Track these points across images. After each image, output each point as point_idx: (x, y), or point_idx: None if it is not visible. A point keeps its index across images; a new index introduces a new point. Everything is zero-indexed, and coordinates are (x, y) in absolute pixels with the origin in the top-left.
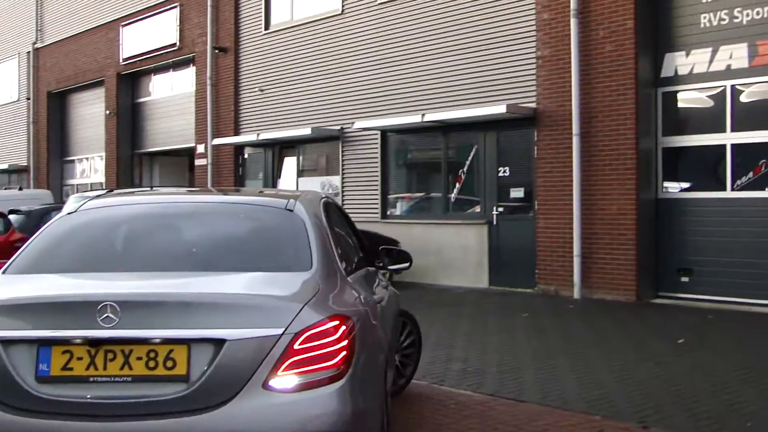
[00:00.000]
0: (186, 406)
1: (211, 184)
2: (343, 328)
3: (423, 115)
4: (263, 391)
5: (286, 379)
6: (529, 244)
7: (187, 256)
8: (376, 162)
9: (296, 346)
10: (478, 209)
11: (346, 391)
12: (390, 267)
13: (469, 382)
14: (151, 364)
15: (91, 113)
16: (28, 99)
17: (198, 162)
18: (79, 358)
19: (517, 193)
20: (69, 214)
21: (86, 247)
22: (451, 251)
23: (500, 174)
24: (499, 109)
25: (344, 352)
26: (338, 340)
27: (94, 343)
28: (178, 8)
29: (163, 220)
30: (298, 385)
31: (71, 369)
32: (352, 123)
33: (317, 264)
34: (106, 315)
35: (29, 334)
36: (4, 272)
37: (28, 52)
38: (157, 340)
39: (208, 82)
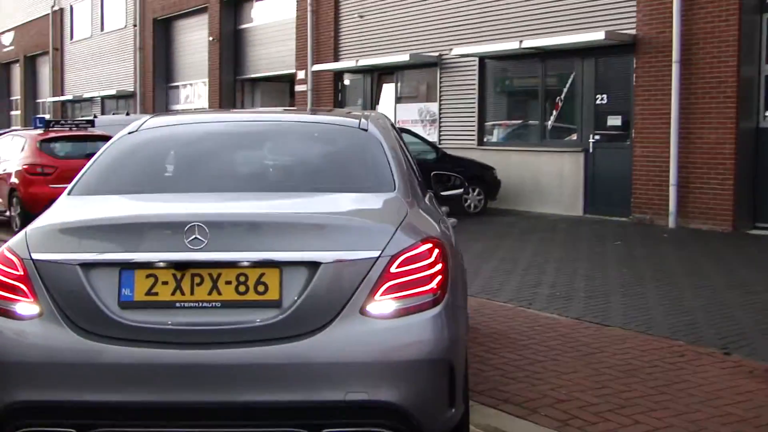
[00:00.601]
0: (278, 333)
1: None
2: (437, 251)
3: (521, 41)
4: (360, 317)
5: (383, 305)
6: (626, 173)
7: (263, 176)
8: (474, 89)
9: (393, 270)
10: (574, 137)
11: (443, 317)
12: (442, 193)
13: (555, 306)
14: (241, 288)
15: (194, 39)
16: (135, 26)
17: (298, 88)
18: (164, 283)
19: (614, 120)
20: (130, 133)
21: (153, 167)
22: (547, 179)
23: (597, 101)
24: (598, 35)
25: (439, 277)
26: (433, 264)
27: (181, 266)
28: None
29: (233, 139)
30: (396, 310)
31: (156, 294)
32: (450, 49)
33: (399, 185)
34: (194, 236)
35: (111, 257)
36: (69, 194)
37: None
38: (248, 264)
39: (309, 8)
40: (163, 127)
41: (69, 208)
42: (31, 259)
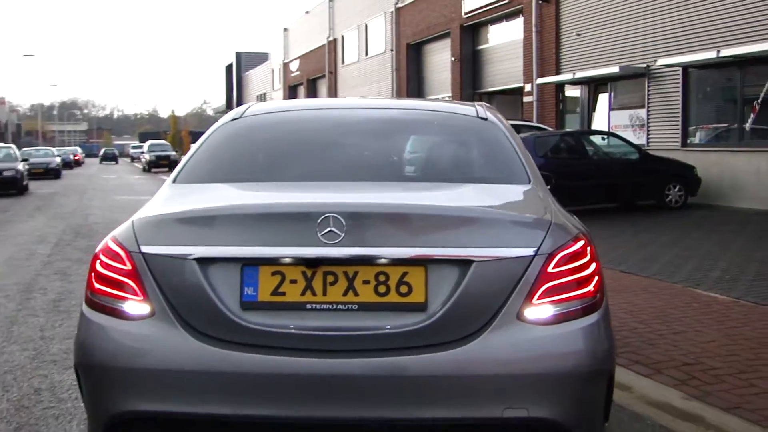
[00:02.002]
0: (424, 340)
1: (536, 119)
2: (590, 249)
3: (718, 51)
4: (518, 323)
5: (541, 309)
6: None
7: (387, 165)
8: (678, 95)
9: (550, 270)
10: None
11: (603, 323)
12: None
13: (720, 287)
14: (381, 289)
15: (440, 60)
16: (392, 50)
17: (525, 99)
18: (293, 281)
19: None
20: (233, 120)
21: (264, 154)
22: (745, 176)
23: None
24: None
25: (596, 277)
26: (588, 264)
27: (312, 263)
28: None
29: (348, 127)
30: (554, 316)
31: (283, 294)
32: (655, 60)
33: (532, 177)
34: (328, 229)
35: (232, 251)
36: (173, 181)
37: (392, 11)
38: (389, 261)
39: (534, 29)
40: (269, 113)
41: (177, 196)
42: (141, 252)
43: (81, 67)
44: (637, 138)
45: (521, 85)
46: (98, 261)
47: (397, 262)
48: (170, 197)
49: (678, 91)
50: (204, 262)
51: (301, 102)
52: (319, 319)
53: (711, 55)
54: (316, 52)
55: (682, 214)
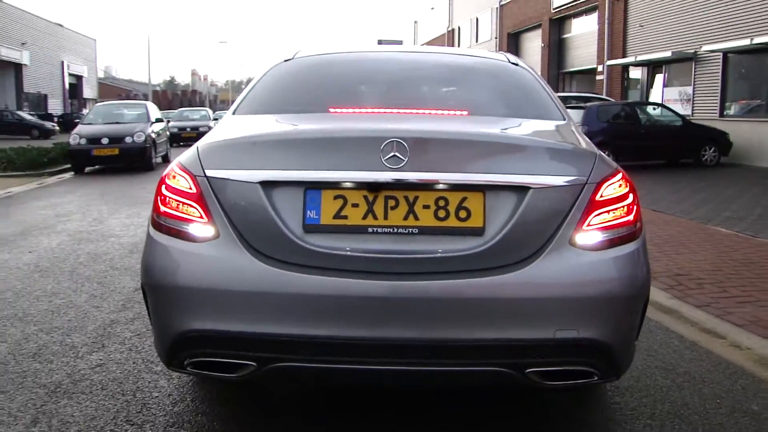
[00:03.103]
0: (482, 263)
1: (605, 94)
2: (628, 182)
3: (751, 39)
4: (571, 249)
5: (591, 235)
6: None
7: (438, 99)
8: (718, 76)
9: (598, 198)
10: None
11: (642, 250)
12: None
13: (726, 224)
14: (441, 213)
15: (532, 47)
16: (496, 38)
17: (598, 78)
18: (355, 205)
19: None
20: (286, 60)
21: (322, 87)
22: None
23: None
24: None
25: (635, 207)
26: (628, 194)
27: (374, 187)
28: None
29: (396, 66)
30: (602, 242)
31: (345, 218)
32: (700, 47)
33: (566, 115)
34: (392, 154)
35: (296, 175)
36: (233, 113)
37: (497, 7)
38: (448, 186)
39: (606, 21)
40: (320, 55)
41: (239, 125)
42: (206, 176)
43: (264, 50)
44: (684, 110)
45: (595, 66)
46: (163, 185)
47: (457, 187)
48: (232, 126)
49: (718, 72)
50: (268, 185)
51: (348, 46)
52: (380, 242)
53: (746, 42)
54: (438, 39)
55: (714, 171)
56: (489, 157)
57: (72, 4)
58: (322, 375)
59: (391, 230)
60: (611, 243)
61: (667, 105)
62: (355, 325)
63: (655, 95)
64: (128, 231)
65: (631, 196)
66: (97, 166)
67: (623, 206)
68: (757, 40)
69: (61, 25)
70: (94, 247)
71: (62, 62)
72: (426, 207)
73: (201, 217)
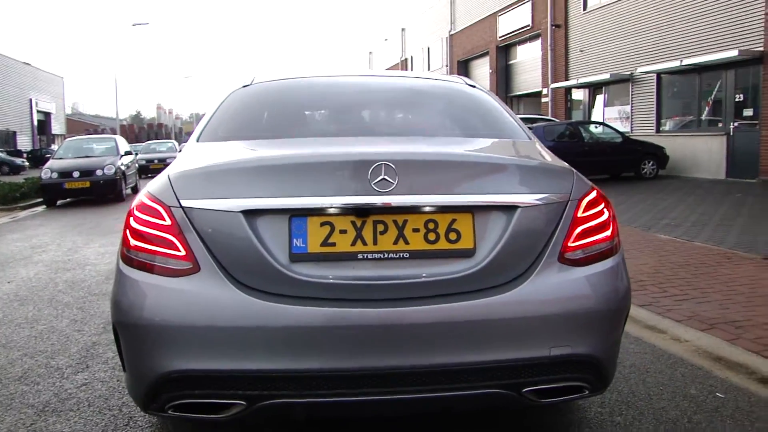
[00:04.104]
0: (474, 285)
1: (550, 114)
2: (603, 198)
3: (681, 60)
4: (559, 265)
5: (577, 252)
6: (755, 148)
7: (408, 122)
8: (653, 94)
9: (579, 215)
10: (720, 125)
11: (622, 264)
12: None
13: (665, 230)
14: (431, 236)
15: (481, 73)
16: (447, 66)
17: (543, 100)
18: (343, 231)
19: (748, 112)
20: (244, 86)
21: (289, 113)
22: (701, 154)
23: (736, 99)
24: (733, 53)
25: (613, 221)
26: (604, 210)
27: (363, 212)
28: (530, 1)
29: (359, 88)
30: (587, 257)
31: (333, 245)
32: (636, 69)
33: (530, 135)
34: (381, 178)
35: (279, 203)
36: (198, 141)
37: (447, 37)
38: (437, 208)
39: (549, 47)
40: (278, 80)
41: (209, 152)
42: (181, 206)
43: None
44: (624, 127)
45: (540, 89)
46: (132, 218)
47: (446, 209)
48: (201, 153)
49: (653, 92)
50: (250, 214)
51: (304, 71)
52: (371, 268)
53: (676, 63)
54: (393, 68)
55: (653, 183)
56: (477, 178)
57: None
58: (315, 409)
59: (381, 255)
60: (595, 258)
61: (608, 123)
62: (348, 355)
63: (596, 114)
64: (104, 259)
65: (607, 211)
66: (68, 199)
67: (603, 221)
68: (687, 61)
69: (28, 64)
70: (71, 275)
71: (30, 99)
72: (415, 230)
73: (178, 249)
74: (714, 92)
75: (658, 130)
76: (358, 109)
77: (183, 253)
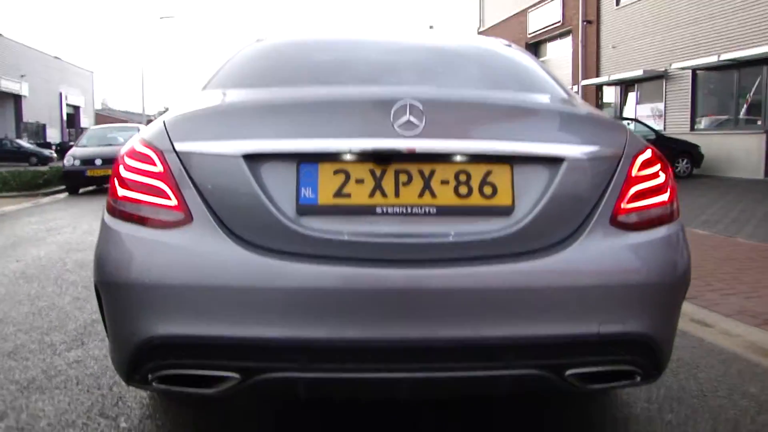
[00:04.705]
0: (511, 248)
1: None
2: (660, 158)
3: (719, 56)
4: (611, 229)
5: (630, 215)
6: None
7: (443, 73)
8: (687, 91)
9: (634, 174)
10: (759, 123)
11: (683, 233)
12: None
13: (704, 226)
14: (462, 189)
15: None
16: None
17: None
18: (359, 181)
19: None
20: (258, 41)
21: (308, 61)
22: (737, 153)
23: None
24: None
25: (671, 185)
26: (662, 171)
27: (384, 158)
28: None
29: (389, 45)
30: (640, 222)
31: (348, 196)
32: (671, 64)
33: (571, 92)
34: (405, 119)
35: (286, 145)
36: (204, 89)
37: (477, 34)
38: (470, 158)
39: (580, 44)
40: (295, 38)
41: (213, 96)
42: (175, 151)
43: None
44: (657, 125)
45: (570, 86)
46: (122, 166)
47: (480, 158)
48: (204, 98)
49: (688, 88)
50: (253, 159)
51: (326, 31)
52: (391, 224)
53: (713, 59)
54: None
55: (688, 181)
56: (517, 124)
57: (70, 39)
58: (321, 387)
59: (404, 210)
60: (652, 223)
61: (642, 120)
62: (363, 323)
63: (628, 112)
64: None
65: (664, 173)
66: (91, 187)
67: (660, 183)
68: (724, 56)
69: (59, 59)
70: (83, 256)
71: (60, 93)
72: (444, 183)
73: (169, 198)
74: (753, 89)
75: (692, 129)
76: (387, 62)
77: (174, 202)
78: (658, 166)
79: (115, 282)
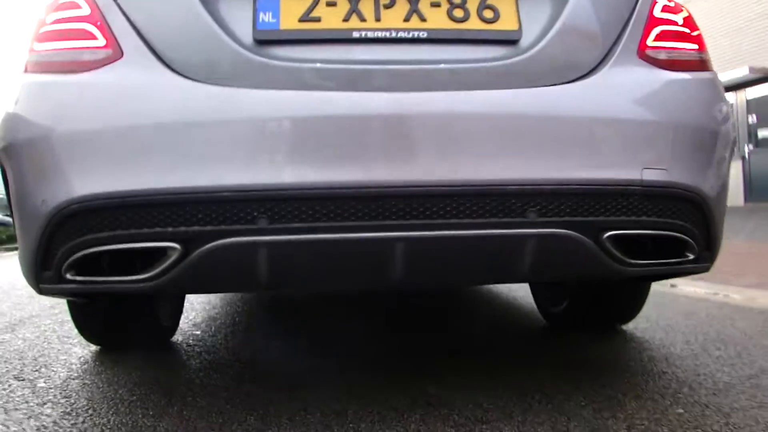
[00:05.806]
0: (519, 82)
1: None
2: (682, 6)
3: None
4: (640, 62)
5: (659, 52)
6: None
7: None
8: None
9: (656, 14)
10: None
11: (720, 85)
12: None
13: None
14: (457, 13)
15: None
16: None
17: None
18: (330, 4)
19: (763, 133)
20: None
21: None
22: None
23: (749, 122)
24: (744, 71)
25: (699, 36)
26: (687, 21)
27: None
28: None
29: None
30: (671, 61)
31: (317, 20)
32: None
33: None
34: None
35: None
36: None
37: None
38: None
39: None
40: None
41: None
42: None
43: None
44: None
45: None
46: (40, 23)
47: None
48: None
49: None
50: None
51: None
52: (372, 51)
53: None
54: None
55: None
56: None
57: None
58: (288, 259)
59: (387, 34)
60: (684, 66)
61: None
62: (341, 163)
63: None
64: None
65: (689, 25)
66: None
67: (687, 32)
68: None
69: None
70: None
71: None
72: (435, 5)
73: (96, 38)
74: None
75: None
76: None
77: (103, 42)
78: (681, 13)
79: (27, 139)
